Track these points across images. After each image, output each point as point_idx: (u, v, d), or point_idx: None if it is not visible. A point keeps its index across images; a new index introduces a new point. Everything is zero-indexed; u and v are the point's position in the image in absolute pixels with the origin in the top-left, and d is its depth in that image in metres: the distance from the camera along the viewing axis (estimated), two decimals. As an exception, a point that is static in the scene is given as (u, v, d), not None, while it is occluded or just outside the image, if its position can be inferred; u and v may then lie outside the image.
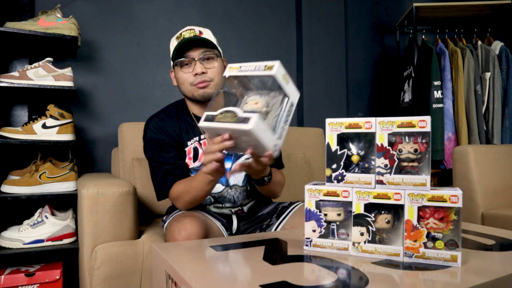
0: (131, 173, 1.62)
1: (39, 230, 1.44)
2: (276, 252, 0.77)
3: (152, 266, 0.89)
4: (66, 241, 1.48)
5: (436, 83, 2.33)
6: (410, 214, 0.70)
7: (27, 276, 1.38)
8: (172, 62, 1.21)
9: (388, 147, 0.72)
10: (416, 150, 0.71)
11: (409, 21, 2.54)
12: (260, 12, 2.38)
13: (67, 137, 1.56)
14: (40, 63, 1.55)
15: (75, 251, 1.42)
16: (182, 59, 1.15)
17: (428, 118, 0.70)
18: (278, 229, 1.14)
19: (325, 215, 0.77)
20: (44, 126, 1.53)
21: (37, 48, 1.70)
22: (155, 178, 1.18)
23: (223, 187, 1.20)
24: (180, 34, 1.18)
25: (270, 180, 1.06)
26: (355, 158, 0.75)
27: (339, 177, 0.77)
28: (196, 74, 1.14)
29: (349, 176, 0.75)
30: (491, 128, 2.33)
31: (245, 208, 1.24)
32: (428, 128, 0.70)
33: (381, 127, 0.73)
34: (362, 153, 0.75)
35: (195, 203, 1.11)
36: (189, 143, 1.21)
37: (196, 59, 1.14)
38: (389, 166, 0.72)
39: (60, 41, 1.60)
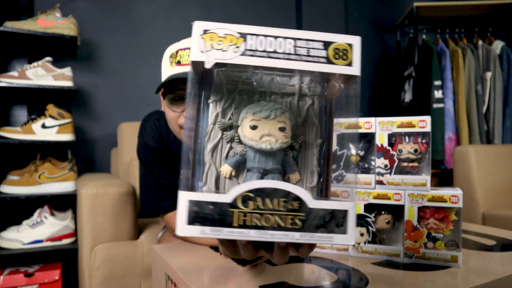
0: (130, 173, 1.62)
1: (38, 231, 1.44)
2: (275, 253, 0.76)
3: (152, 267, 0.89)
4: (65, 241, 1.48)
5: (437, 83, 2.32)
6: (410, 214, 0.69)
7: (27, 276, 1.38)
8: (161, 89, 0.90)
9: (388, 147, 0.72)
10: (416, 150, 0.70)
11: (410, 20, 2.53)
12: (260, 12, 2.38)
13: (67, 137, 1.56)
14: (39, 62, 1.55)
15: (74, 252, 1.42)
16: (171, 95, 0.86)
17: (428, 118, 0.69)
18: None
19: (325, 215, 0.77)
20: (43, 126, 1.53)
21: (36, 47, 1.70)
22: (145, 188, 1.02)
23: None
24: (177, 53, 0.86)
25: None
26: (354, 159, 0.75)
27: (339, 178, 0.76)
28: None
29: (349, 176, 0.75)
30: (492, 128, 2.33)
31: None
32: (428, 128, 0.69)
33: (381, 127, 0.72)
34: (362, 153, 0.74)
35: (191, 241, 0.90)
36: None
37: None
38: (389, 166, 0.72)
39: (59, 40, 1.59)
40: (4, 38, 1.56)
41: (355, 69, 0.41)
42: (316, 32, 0.42)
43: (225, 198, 0.40)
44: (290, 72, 0.45)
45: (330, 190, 0.45)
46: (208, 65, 0.41)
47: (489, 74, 2.33)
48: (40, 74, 1.53)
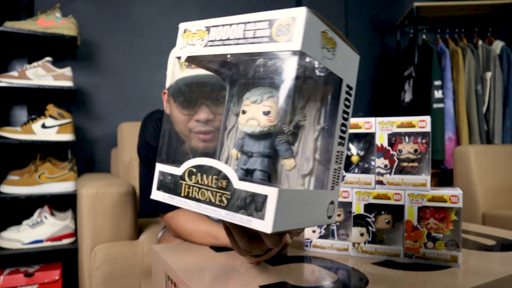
0: (130, 173, 1.62)
1: (38, 231, 1.44)
2: (275, 253, 0.76)
3: (152, 267, 0.89)
4: (65, 241, 1.48)
5: (437, 83, 2.32)
6: (410, 214, 0.69)
7: (27, 276, 1.38)
8: (167, 87, 0.91)
9: (388, 147, 0.72)
10: (416, 150, 0.70)
11: (410, 20, 2.53)
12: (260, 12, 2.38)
13: (67, 137, 1.56)
14: (40, 62, 1.55)
15: (74, 252, 1.42)
16: (182, 97, 0.81)
17: (427, 118, 0.69)
18: None
19: (325, 215, 0.77)
20: (43, 126, 1.53)
21: (36, 47, 1.70)
22: (146, 188, 1.01)
23: None
24: None
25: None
26: (355, 159, 0.75)
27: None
28: (198, 120, 0.80)
29: (349, 176, 0.75)
30: (492, 128, 2.33)
31: None
32: (428, 128, 0.69)
33: (381, 127, 0.72)
34: (362, 153, 0.74)
35: (191, 241, 0.91)
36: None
37: (201, 100, 0.79)
38: (389, 166, 0.72)
39: (59, 40, 1.59)
40: (4, 38, 1.56)
41: (294, 44, 0.37)
42: (264, 12, 0.41)
43: (178, 171, 0.45)
44: (252, 56, 0.45)
45: (331, 179, 0.41)
46: (182, 59, 0.46)
47: (489, 74, 2.33)
48: (40, 74, 1.53)
